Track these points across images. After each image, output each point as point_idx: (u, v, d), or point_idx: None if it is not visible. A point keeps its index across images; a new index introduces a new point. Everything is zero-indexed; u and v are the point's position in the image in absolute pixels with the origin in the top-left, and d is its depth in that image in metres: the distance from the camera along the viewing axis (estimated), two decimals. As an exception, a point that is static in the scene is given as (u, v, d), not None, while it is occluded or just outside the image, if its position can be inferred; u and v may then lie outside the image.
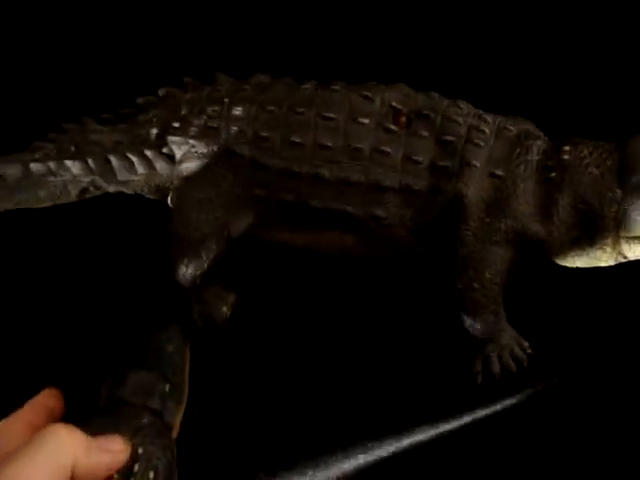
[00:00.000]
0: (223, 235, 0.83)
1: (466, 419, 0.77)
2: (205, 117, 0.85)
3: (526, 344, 0.81)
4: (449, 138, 0.80)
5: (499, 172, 0.79)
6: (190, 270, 0.81)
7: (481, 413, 0.77)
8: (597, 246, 0.78)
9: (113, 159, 0.87)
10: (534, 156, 0.80)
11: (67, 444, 0.54)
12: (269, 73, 0.89)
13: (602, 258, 0.79)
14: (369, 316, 0.85)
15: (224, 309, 0.79)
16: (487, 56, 1.05)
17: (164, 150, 0.86)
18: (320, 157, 0.81)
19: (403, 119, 0.82)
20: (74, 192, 0.89)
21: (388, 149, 0.80)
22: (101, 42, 1.08)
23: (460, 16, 1.08)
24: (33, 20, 1.10)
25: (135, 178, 0.88)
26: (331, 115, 0.82)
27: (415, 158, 0.80)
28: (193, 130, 0.85)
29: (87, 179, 0.88)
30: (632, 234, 0.76)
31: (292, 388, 0.80)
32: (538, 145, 0.81)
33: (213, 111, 0.85)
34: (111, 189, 0.89)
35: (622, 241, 0.77)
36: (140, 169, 0.87)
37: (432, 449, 0.75)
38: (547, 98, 0.98)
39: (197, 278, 0.81)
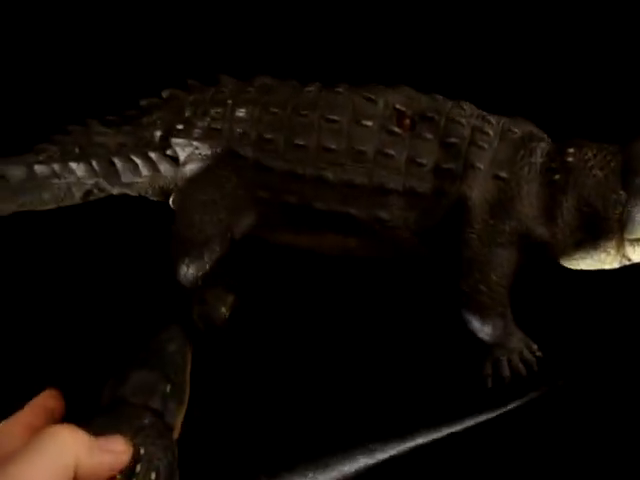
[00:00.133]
0: (226, 237, 0.83)
1: (473, 422, 0.76)
2: (209, 119, 0.85)
3: (535, 347, 0.80)
4: (453, 140, 0.80)
5: (503, 174, 0.79)
6: (192, 271, 0.81)
7: (488, 416, 0.77)
8: (601, 248, 0.78)
9: (117, 161, 0.87)
10: (538, 158, 0.80)
11: (69, 444, 0.54)
12: (273, 75, 0.89)
13: (606, 261, 0.79)
14: (373, 318, 0.85)
15: (223, 310, 0.79)
16: (490, 58, 1.04)
17: (168, 152, 0.86)
18: (324, 159, 0.81)
19: (407, 121, 0.82)
20: (78, 194, 0.89)
21: (392, 151, 0.80)
22: (105, 44, 1.08)
23: (463, 18, 1.08)
24: (37, 22, 1.10)
25: (139, 180, 0.88)
26: (335, 117, 0.82)
27: (419, 160, 0.80)
28: (197, 132, 0.85)
29: (91, 181, 0.88)
30: (636, 236, 0.76)
31: (294, 389, 0.79)
32: (542, 147, 0.81)
33: (217, 113, 0.85)
34: (115, 191, 0.89)
35: (626, 243, 0.77)
36: (144, 171, 0.87)
37: (434, 453, 0.75)
38: (551, 100, 0.98)
39: (199, 279, 0.81)
